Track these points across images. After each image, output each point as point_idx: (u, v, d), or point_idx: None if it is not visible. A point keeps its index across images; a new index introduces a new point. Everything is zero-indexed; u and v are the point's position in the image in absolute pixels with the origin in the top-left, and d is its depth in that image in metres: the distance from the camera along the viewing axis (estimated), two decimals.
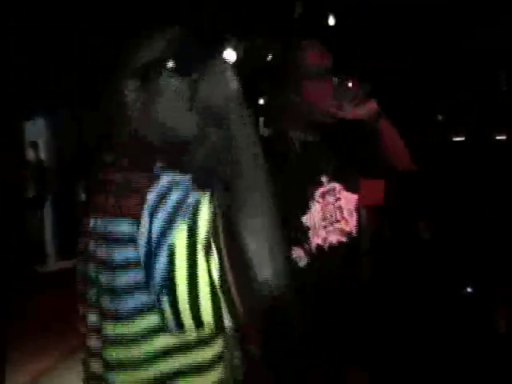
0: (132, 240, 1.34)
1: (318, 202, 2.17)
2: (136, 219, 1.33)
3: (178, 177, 1.35)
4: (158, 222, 1.29)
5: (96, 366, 1.52)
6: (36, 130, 8.44)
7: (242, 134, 1.29)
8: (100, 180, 1.48)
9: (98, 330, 1.50)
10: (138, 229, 1.33)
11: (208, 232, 1.25)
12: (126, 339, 1.42)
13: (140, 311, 1.40)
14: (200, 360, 1.46)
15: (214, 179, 1.32)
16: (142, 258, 1.32)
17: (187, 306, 1.29)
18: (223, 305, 1.28)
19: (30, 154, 8.32)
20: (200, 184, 1.35)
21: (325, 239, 2.18)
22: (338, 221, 2.22)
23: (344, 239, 2.22)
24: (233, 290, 1.26)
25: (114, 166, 1.45)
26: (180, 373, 1.44)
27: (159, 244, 1.29)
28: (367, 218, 6.05)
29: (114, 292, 1.41)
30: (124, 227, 1.37)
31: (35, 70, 6.63)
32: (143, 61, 1.42)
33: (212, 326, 1.32)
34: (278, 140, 2.22)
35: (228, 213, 1.25)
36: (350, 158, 2.25)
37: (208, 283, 1.26)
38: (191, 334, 1.38)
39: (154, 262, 1.30)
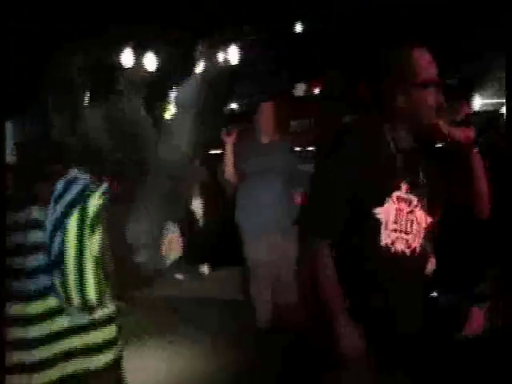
0: (40, 225, 1.58)
1: (393, 202, 2.20)
2: (45, 206, 1.59)
3: (82, 172, 1.64)
4: (60, 208, 1.54)
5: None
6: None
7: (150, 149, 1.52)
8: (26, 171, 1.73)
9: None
10: (44, 214, 1.59)
11: (95, 218, 1.51)
12: (26, 319, 1.61)
13: (41, 293, 1.61)
14: (91, 343, 1.68)
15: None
16: (47, 241, 1.57)
17: (73, 282, 1.50)
18: (103, 280, 1.53)
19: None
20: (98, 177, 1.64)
21: (393, 243, 2.21)
22: (406, 232, 2.22)
23: (408, 253, 2.23)
24: (110, 267, 1.53)
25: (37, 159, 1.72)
26: (71, 354, 1.66)
27: (58, 227, 1.53)
28: None
29: (21, 274, 1.63)
30: (35, 214, 1.62)
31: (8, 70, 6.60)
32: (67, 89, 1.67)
33: (94, 301, 1.54)
34: (376, 136, 2.24)
35: (117, 208, 1.46)
36: (433, 178, 2.27)
37: (92, 261, 1.50)
38: (79, 311, 1.58)
39: (52, 243, 1.53)
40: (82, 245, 1.51)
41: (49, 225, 1.56)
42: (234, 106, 9.29)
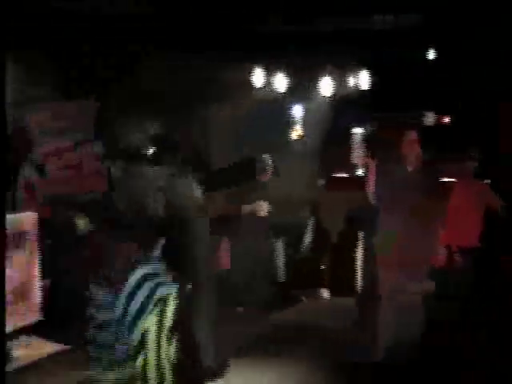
0: (112, 308, 1.78)
1: None
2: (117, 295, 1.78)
3: (151, 269, 1.78)
4: (134, 308, 1.70)
5: None
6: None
7: (197, 231, 1.67)
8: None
9: None
10: (116, 301, 1.78)
11: (173, 320, 1.66)
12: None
13: (115, 363, 1.79)
14: None
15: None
16: (117, 328, 1.78)
17: (154, 369, 1.65)
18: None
19: None
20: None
21: None
22: None
23: None
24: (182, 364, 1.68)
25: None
26: None
27: (133, 324, 1.69)
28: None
29: (98, 344, 1.87)
30: (110, 298, 1.82)
31: None
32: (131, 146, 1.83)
33: None
34: None
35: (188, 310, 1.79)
36: None
37: (167, 362, 1.65)
38: None
39: (128, 336, 1.72)
40: (160, 348, 1.67)
41: (119, 313, 1.75)
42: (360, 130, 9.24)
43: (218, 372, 4.51)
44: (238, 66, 7.62)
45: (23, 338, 3.05)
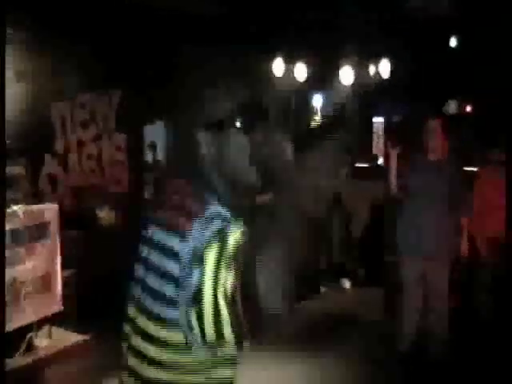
0: (176, 254, 1.63)
1: None
2: (184, 237, 1.62)
3: (222, 209, 1.67)
4: (199, 244, 1.58)
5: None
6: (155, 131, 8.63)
7: (282, 185, 1.60)
8: (162, 198, 1.82)
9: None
10: (183, 246, 1.61)
11: (232, 257, 1.54)
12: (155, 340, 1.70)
13: (168, 323, 1.66)
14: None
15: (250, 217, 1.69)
16: (180, 273, 1.60)
17: (211, 320, 1.53)
18: (232, 316, 1.53)
19: (148, 156, 8.61)
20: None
21: None
22: None
23: None
24: (239, 305, 1.52)
25: (176, 189, 1.79)
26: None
27: (196, 262, 1.56)
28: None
29: (156, 296, 1.69)
30: (174, 242, 1.65)
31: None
32: (216, 118, 1.77)
33: (230, 337, 1.55)
34: None
35: (252, 248, 1.57)
36: None
37: (226, 297, 1.53)
38: (212, 346, 1.60)
39: (189, 277, 1.56)
40: (218, 281, 1.55)
41: (186, 259, 1.61)
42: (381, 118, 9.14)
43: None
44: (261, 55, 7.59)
45: (45, 329, 3.05)
